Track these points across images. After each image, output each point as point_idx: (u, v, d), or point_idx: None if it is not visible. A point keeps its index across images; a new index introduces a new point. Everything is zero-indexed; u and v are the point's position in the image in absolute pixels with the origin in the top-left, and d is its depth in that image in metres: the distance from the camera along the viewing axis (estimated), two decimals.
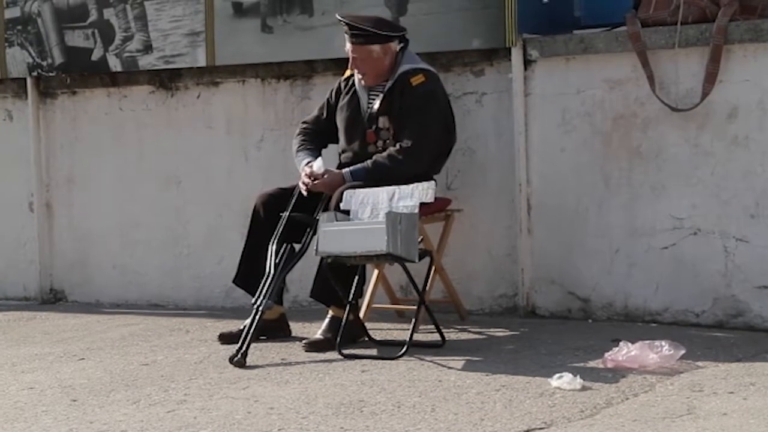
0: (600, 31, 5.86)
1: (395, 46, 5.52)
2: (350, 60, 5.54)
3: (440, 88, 5.60)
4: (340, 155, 5.69)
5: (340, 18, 5.56)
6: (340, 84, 5.71)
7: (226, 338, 5.49)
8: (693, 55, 5.47)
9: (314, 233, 5.23)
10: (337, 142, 5.75)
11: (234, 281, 5.67)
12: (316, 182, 5.42)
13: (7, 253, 7.39)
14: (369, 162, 5.44)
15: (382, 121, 5.50)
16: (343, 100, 5.64)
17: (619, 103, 5.66)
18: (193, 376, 4.89)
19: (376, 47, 5.47)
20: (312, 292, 5.47)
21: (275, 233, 5.36)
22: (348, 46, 5.53)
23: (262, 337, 5.40)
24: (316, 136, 5.72)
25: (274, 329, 5.54)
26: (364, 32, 5.45)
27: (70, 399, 4.59)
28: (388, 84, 5.49)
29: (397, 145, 5.43)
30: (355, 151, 5.56)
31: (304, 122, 5.81)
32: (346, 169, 5.46)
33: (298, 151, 5.67)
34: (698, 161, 5.50)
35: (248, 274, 5.54)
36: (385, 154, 5.44)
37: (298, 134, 5.75)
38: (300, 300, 6.33)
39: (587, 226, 5.75)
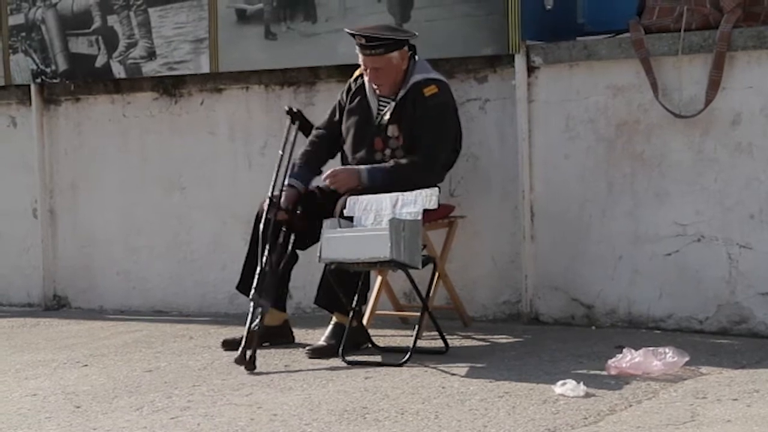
0: (603, 37, 5.86)
1: (407, 50, 5.50)
2: (369, 72, 5.45)
3: (452, 99, 5.57)
4: (343, 160, 5.68)
5: (352, 32, 5.45)
6: (350, 84, 5.66)
7: (229, 344, 5.49)
8: (696, 62, 5.47)
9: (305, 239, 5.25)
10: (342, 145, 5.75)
11: (237, 288, 5.67)
12: (332, 180, 5.38)
13: (10, 259, 7.40)
14: (389, 164, 5.40)
15: (392, 130, 5.47)
16: (352, 104, 5.60)
17: (623, 110, 5.66)
18: (197, 382, 4.89)
19: (395, 54, 5.42)
20: (316, 299, 5.47)
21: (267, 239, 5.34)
22: (363, 59, 5.44)
23: (265, 344, 5.40)
24: (327, 143, 5.65)
25: (277, 336, 5.55)
26: (382, 41, 5.39)
27: (73, 405, 4.59)
28: (401, 93, 5.45)
29: (416, 156, 5.39)
30: (361, 158, 5.54)
31: (317, 128, 5.72)
32: (363, 167, 5.41)
33: (297, 166, 5.54)
34: (702, 168, 5.50)
35: (251, 280, 5.54)
36: (405, 161, 5.40)
37: (308, 144, 5.66)
38: (303, 306, 6.34)
39: (591, 232, 5.75)
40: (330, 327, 5.38)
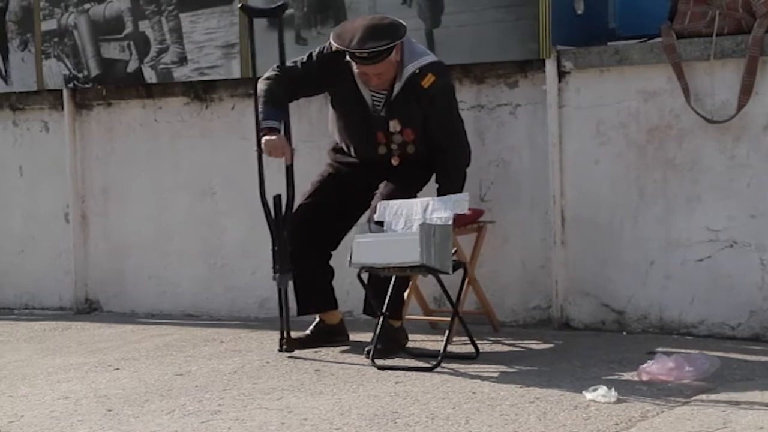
0: (635, 42, 5.84)
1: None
2: (371, 78, 5.27)
3: (447, 75, 5.44)
4: (343, 148, 5.59)
5: (352, 50, 5.20)
6: (335, 55, 5.35)
7: (292, 344, 5.50)
8: (729, 67, 5.44)
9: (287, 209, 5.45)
10: (301, 97, 5.67)
11: (299, 314, 5.59)
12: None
13: (43, 264, 7.44)
14: (447, 177, 5.35)
15: (393, 125, 5.37)
16: (342, 89, 5.42)
17: (654, 115, 5.64)
18: (227, 386, 4.91)
19: (393, 53, 5.27)
20: (365, 310, 5.50)
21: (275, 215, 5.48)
22: (363, 68, 5.24)
23: (325, 343, 5.54)
24: (290, 86, 5.43)
25: (335, 334, 5.61)
26: (386, 49, 5.21)
27: (105, 409, 4.61)
28: (396, 87, 5.32)
29: (448, 148, 5.35)
30: (364, 151, 5.47)
31: (279, 68, 5.46)
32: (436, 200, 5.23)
33: (264, 103, 5.40)
34: (734, 173, 5.47)
35: (305, 295, 5.55)
36: (447, 161, 5.36)
37: (270, 79, 5.43)
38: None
39: (622, 238, 5.73)
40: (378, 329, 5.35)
